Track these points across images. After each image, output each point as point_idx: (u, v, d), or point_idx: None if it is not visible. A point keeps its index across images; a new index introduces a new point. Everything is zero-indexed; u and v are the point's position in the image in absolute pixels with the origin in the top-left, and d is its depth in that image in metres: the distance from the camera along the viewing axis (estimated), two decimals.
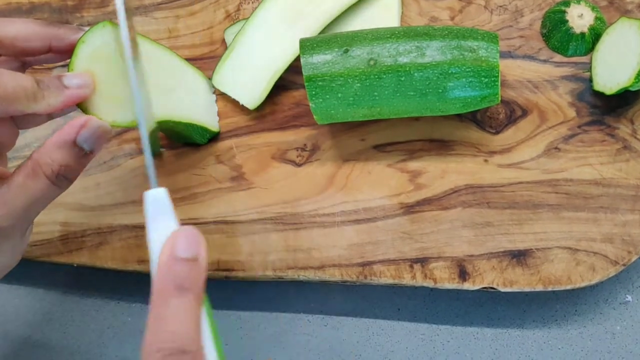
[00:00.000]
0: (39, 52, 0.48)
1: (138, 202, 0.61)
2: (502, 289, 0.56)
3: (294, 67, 0.59)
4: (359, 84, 0.52)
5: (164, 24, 0.64)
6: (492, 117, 0.59)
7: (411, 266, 0.57)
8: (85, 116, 0.45)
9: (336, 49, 0.53)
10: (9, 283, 0.67)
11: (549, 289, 0.56)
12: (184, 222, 0.59)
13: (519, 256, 0.56)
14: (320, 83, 0.52)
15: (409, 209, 0.58)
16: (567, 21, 0.58)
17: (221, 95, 0.62)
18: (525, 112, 0.58)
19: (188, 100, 0.58)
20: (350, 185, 0.59)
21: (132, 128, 0.63)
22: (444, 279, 0.57)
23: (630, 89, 0.53)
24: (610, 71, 0.55)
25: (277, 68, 0.59)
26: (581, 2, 0.58)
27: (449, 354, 0.61)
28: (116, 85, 0.48)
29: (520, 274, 0.56)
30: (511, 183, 0.58)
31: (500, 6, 0.60)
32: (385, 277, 0.57)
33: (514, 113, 0.59)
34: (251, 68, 0.60)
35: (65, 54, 0.49)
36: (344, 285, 0.63)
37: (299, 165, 0.60)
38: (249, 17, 0.60)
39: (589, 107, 0.58)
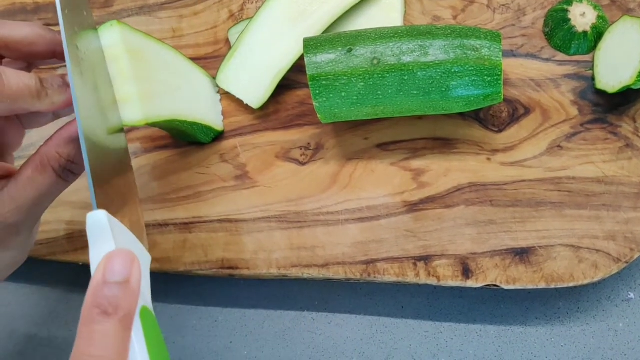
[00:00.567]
0: (44, 57, 0.48)
1: (143, 201, 0.62)
2: (505, 287, 0.56)
3: (298, 67, 0.59)
4: (362, 83, 0.52)
5: (167, 24, 0.65)
6: (495, 115, 0.59)
7: (415, 264, 0.57)
8: None
9: (340, 49, 0.53)
10: (15, 281, 0.67)
11: (552, 286, 0.56)
12: (188, 221, 0.61)
13: (522, 254, 0.56)
14: (324, 82, 0.53)
15: (413, 207, 0.59)
16: (569, 20, 0.58)
17: (225, 95, 0.63)
18: (527, 111, 0.59)
19: (193, 99, 0.59)
20: (353, 184, 0.60)
21: (137, 127, 0.64)
22: (447, 276, 0.57)
23: (633, 87, 0.54)
24: (613, 70, 0.55)
25: (281, 67, 0.60)
26: (583, 1, 0.58)
27: (452, 352, 0.61)
28: (120, 84, 0.48)
29: (523, 271, 0.56)
30: (514, 181, 0.58)
31: (503, 5, 0.60)
32: (389, 275, 0.58)
33: (516, 111, 0.59)
34: (255, 67, 0.60)
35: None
36: (348, 283, 0.63)
37: (302, 164, 0.61)
38: (252, 17, 0.60)
39: (591, 106, 0.58)
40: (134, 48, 0.50)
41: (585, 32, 0.58)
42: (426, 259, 0.57)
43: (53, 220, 0.63)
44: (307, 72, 0.53)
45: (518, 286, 0.56)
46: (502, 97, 0.53)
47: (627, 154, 0.57)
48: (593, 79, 0.58)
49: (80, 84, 0.44)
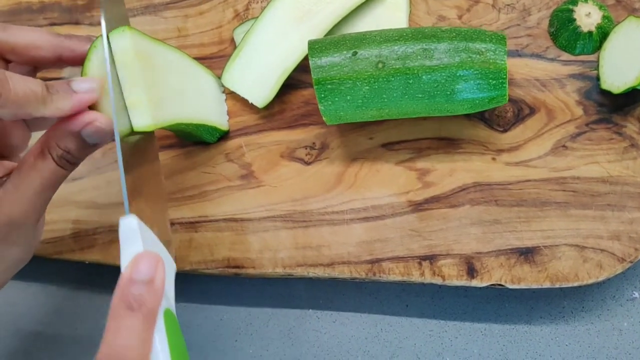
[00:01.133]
0: (50, 61, 0.48)
1: None
2: (510, 286, 0.56)
3: (303, 66, 0.59)
4: (367, 87, 0.52)
5: (173, 24, 0.65)
6: (499, 115, 0.59)
7: (420, 263, 0.58)
8: (94, 113, 0.47)
9: (344, 52, 0.53)
10: (21, 280, 0.68)
11: (557, 286, 0.56)
12: (194, 220, 0.61)
13: (527, 253, 0.57)
14: (329, 86, 0.53)
15: (418, 206, 0.59)
16: (574, 20, 0.58)
17: (230, 94, 0.63)
18: (532, 111, 0.59)
19: (198, 100, 0.59)
20: (358, 184, 0.60)
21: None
22: (452, 276, 0.57)
23: (638, 87, 0.54)
24: (618, 70, 0.55)
25: (286, 67, 0.60)
26: (589, 1, 0.58)
27: (456, 351, 0.61)
28: (129, 90, 0.48)
29: (528, 271, 0.56)
30: (519, 181, 0.58)
31: (508, 5, 0.60)
32: (394, 274, 0.58)
33: (521, 111, 0.59)
34: (260, 67, 0.60)
35: (75, 64, 0.50)
36: (353, 282, 0.63)
37: (307, 163, 0.61)
38: (257, 16, 0.60)
39: (596, 106, 0.58)
40: (143, 53, 0.50)
41: (590, 32, 0.58)
42: (431, 258, 0.58)
43: (59, 220, 0.63)
44: (312, 76, 0.53)
45: (523, 285, 0.56)
46: (507, 99, 0.53)
47: (632, 154, 0.57)
48: (598, 79, 0.58)
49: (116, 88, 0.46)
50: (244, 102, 0.62)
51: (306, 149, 0.61)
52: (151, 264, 0.40)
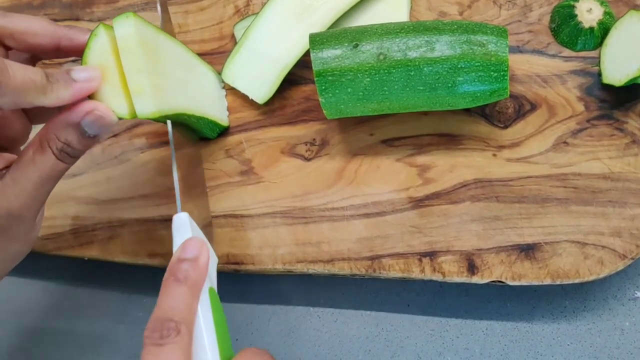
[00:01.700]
0: (48, 50, 0.48)
1: (149, 196, 0.62)
2: (511, 283, 0.56)
3: (304, 62, 0.59)
4: (368, 79, 0.52)
5: (173, 20, 0.65)
6: (500, 111, 0.59)
7: (420, 260, 0.57)
8: (93, 102, 0.46)
9: (346, 44, 0.53)
10: (21, 276, 0.67)
11: (557, 282, 0.56)
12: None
13: (528, 250, 0.56)
14: (330, 78, 0.53)
15: (418, 203, 0.59)
16: (576, 16, 0.58)
17: (231, 90, 0.63)
18: (534, 107, 0.59)
19: (200, 94, 0.59)
20: (359, 180, 0.60)
21: (142, 123, 0.64)
22: (453, 272, 0.57)
23: (639, 81, 0.53)
24: (619, 65, 0.55)
25: (287, 63, 0.60)
26: None
27: (458, 350, 0.61)
28: (133, 76, 0.48)
29: (529, 267, 0.56)
30: (520, 177, 0.58)
31: (509, 1, 0.60)
32: (394, 270, 0.58)
33: (522, 107, 0.59)
34: (261, 63, 0.60)
35: (73, 54, 0.50)
36: (354, 281, 0.63)
37: (308, 159, 0.61)
38: (258, 12, 0.60)
39: (597, 102, 0.58)
40: (146, 41, 0.50)
41: (591, 28, 0.58)
42: (431, 254, 0.57)
43: (59, 216, 0.63)
44: (313, 68, 0.53)
45: (523, 282, 0.56)
46: (509, 92, 0.53)
47: (633, 150, 0.57)
48: (599, 74, 0.58)
49: None
50: (244, 98, 0.62)
51: (306, 145, 0.61)
52: (196, 246, 0.46)
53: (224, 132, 0.62)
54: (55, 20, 0.66)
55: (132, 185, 0.62)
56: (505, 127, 0.59)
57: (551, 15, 0.60)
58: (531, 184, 0.57)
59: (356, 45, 0.52)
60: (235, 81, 0.61)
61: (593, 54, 0.59)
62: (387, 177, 0.59)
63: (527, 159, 0.58)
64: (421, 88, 0.53)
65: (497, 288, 0.62)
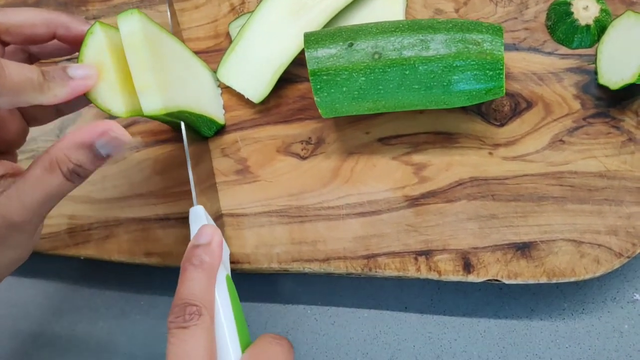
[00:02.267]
0: (45, 39, 0.49)
1: (144, 195, 0.62)
2: (507, 281, 0.56)
3: (299, 60, 0.59)
4: (363, 78, 0.52)
5: (168, 17, 0.64)
6: (496, 109, 0.59)
7: (416, 259, 0.57)
8: (108, 122, 0.45)
9: (341, 43, 0.53)
10: (18, 277, 0.67)
11: (553, 281, 0.56)
12: None
13: (524, 248, 0.56)
14: (325, 77, 0.53)
15: (414, 201, 0.58)
16: (572, 13, 0.57)
17: (226, 89, 0.62)
18: (530, 105, 0.58)
19: (198, 91, 0.58)
20: (355, 178, 0.59)
21: (138, 121, 0.64)
22: (449, 271, 0.57)
23: (636, 82, 0.53)
24: (615, 65, 0.55)
25: (282, 61, 0.59)
26: None
27: (456, 352, 0.61)
28: (139, 73, 0.48)
29: (525, 266, 0.56)
30: (516, 175, 0.58)
31: None
32: (390, 269, 0.57)
33: (518, 105, 0.58)
34: (256, 61, 0.60)
35: (70, 43, 0.49)
36: (351, 283, 0.63)
37: (303, 158, 0.61)
38: (253, 11, 0.60)
39: (593, 100, 0.58)
40: (150, 38, 0.49)
41: (588, 26, 0.57)
42: (427, 253, 0.57)
43: (55, 215, 0.63)
44: (308, 67, 0.52)
45: (519, 281, 0.56)
46: (504, 91, 0.53)
47: (629, 148, 0.57)
48: (596, 72, 0.58)
49: None
50: (239, 96, 0.62)
51: (302, 143, 0.61)
52: (209, 232, 0.48)
53: (219, 130, 0.62)
54: None
55: (127, 184, 0.62)
56: (501, 125, 0.58)
57: (547, 13, 0.59)
58: (527, 183, 0.57)
59: (351, 44, 0.52)
60: (230, 80, 0.61)
61: (589, 51, 0.58)
62: (382, 175, 0.59)
63: (523, 157, 0.58)
64: (416, 87, 0.52)
65: (496, 290, 0.62)
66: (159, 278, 0.65)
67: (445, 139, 0.59)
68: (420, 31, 0.52)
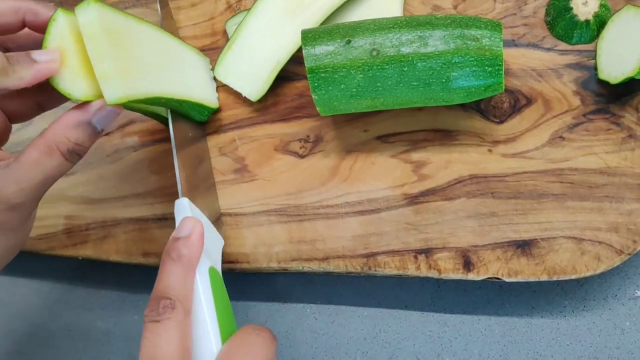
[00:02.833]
0: (16, 28, 0.49)
1: (141, 195, 0.61)
2: (507, 279, 0.56)
3: (297, 58, 0.59)
4: (361, 75, 0.52)
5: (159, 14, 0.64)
6: (496, 106, 0.58)
7: (415, 257, 0.57)
8: (100, 100, 0.48)
9: (338, 40, 0.52)
10: (16, 277, 0.67)
11: (554, 278, 0.55)
12: None
13: (524, 246, 0.56)
14: (322, 74, 0.52)
15: (413, 199, 0.58)
16: (571, 8, 0.57)
17: (223, 87, 0.62)
18: (529, 101, 0.58)
19: (181, 77, 0.57)
20: (353, 177, 0.59)
21: (135, 121, 0.63)
22: (449, 269, 0.56)
23: (636, 77, 0.53)
24: (615, 60, 0.55)
25: (279, 59, 0.59)
26: None
27: (456, 351, 0.61)
28: (97, 62, 0.48)
29: (525, 264, 0.56)
30: (515, 173, 0.57)
31: None
32: (389, 268, 0.57)
33: (518, 102, 0.58)
34: (253, 59, 0.60)
35: (39, 30, 0.50)
36: (351, 282, 0.63)
37: (302, 156, 0.60)
38: (250, 8, 0.60)
39: (593, 96, 0.57)
40: (111, 27, 0.49)
41: (587, 21, 0.57)
42: (427, 251, 0.57)
43: (52, 215, 0.62)
44: (306, 65, 0.52)
45: (520, 279, 0.56)
46: (504, 87, 0.53)
47: (630, 145, 0.56)
48: (595, 68, 0.57)
49: None
50: (237, 95, 0.61)
51: (300, 142, 0.60)
52: (190, 224, 0.48)
53: (217, 129, 0.61)
54: None
55: (125, 184, 0.62)
56: (501, 122, 0.58)
57: (546, 8, 0.59)
58: (527, 180, 0.57)
59: (349, 42, 0.52)
60: (227, 78, 0.60)
61: (589, 47, 0.58)
62: (381, 173, 0.59)
63: (523, 154, 0.57)
64: (415, 84, 0.52)
65: (496, 288, 0.61)
66: (155, 277, 0.65)
67: (444, 136, 0.59)
68: (418, 27, 0.52)
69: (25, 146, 0.46)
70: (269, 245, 0.59)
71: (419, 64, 0.51)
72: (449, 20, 0.52)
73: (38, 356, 0.65)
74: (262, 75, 0.60)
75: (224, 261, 0.59)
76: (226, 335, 0.45)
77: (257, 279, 0.64)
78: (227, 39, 0.62)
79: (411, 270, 0.57)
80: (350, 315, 0.63)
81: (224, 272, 0.61)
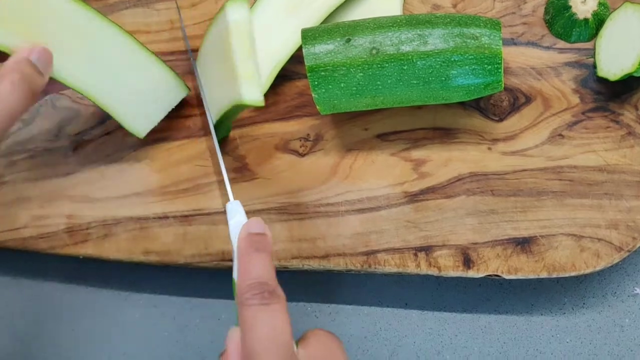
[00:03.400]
0: None
1: (142, 194, 0.61)
2: (507, 277, 0.56)
3: (297, 57, 0.59)
4: (361, 74, 0.52)
5: (165, 16, 0.64)
6: (495, 104, 0.58)
7: (415, 255, 0.57)
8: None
9: (338, 39, 0.52)
10: (16, 276, 0.67)
11: (554, 276, 0.55)
12: (188, 214, 0.61)
13: (524, 243, 0.56)
14: (322, 73, 0.52)
15: (413, 197, 0.58)
16: (570, 7, 0.57)
17: None
18: (528, 99, 0.58)
19: (123, 91, 0.58)
20: (353, 175, 0.59)
21: None
22: (449, 267, 0.57)
23: (635, 74, 0.53)
24: (614, 57, 0.55)
25: (280, 58, 0.59)
26: None
27: (456, 348, 0.61)
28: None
29: (525, 261, 0.56)
30: (515, 170, 0.57)
31: None
32: (389, 265, 0.57)
33: (517, 100, 0.58)
34: None
35: None
36: (351, 279, 0.63)
37: (302, 155, 0.60)
38: (250, 8, 0.60)
39: (592, 94, 0.58)
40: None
41: (586, 20, 0.57)
42: (427, 249, 0.57)
43: (53, 214, 0.62)
44: (306, 63, 0.52)
45: (520, 276, 0.56)
46: (503, 85, 0.53)
47: (629, 142, 0.57)
48: (594, 66, 0.58)
49: None
50: None
51: (300, 140, 0.61)
52: (260, 223, 0.49)
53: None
54: None
55: (125, 183, 0.62)
56: (500, 120, 0.58)
57: (545, 7, 0.59)
58: (526, 177, 0.57)
59: (349, 40, 0.52)
60: None
61: (588, 45, 0.58)
62: (382, 172, 0.59)
63: (523, 152, 0.58)
64: (415, 82, 0.52)
65: (496, 285, 0.62)
66: (157, 277, 0.65)
67: (444, 134, 0.59)
68: (418, 26, 0.52)
69: None
70: None
71: (418, 63, 0.51)
72: (449, 19, 0.52)
73: (39, 355, 0.65)
74: (263, 74, 0.60)
75: (224, 259, 0.60)
76: None
77: None
78: None
79: (411, 268, 0.57)
80: (351, 314, 0.63)
81: (225, 271, 0.62)
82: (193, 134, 0.62)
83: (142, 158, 0.62)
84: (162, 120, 0.60)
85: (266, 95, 0.61)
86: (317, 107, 0.55)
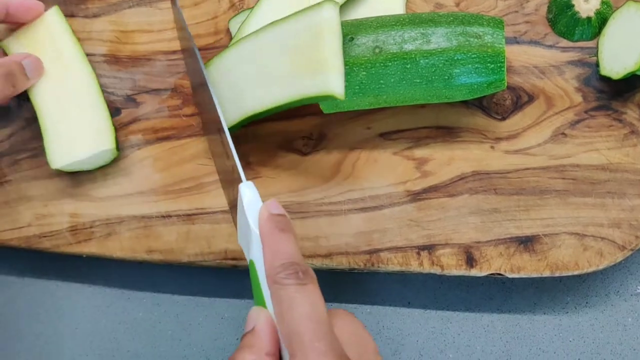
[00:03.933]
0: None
1: (145, 193, 0.62)
2: (510, 275, 0.56)
3: None
4: (364, 73, 0.52)
5: (168, 15, 0.64)
6: (498, 103, 0.58)
7: (418, 253, 0.57)
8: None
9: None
10: (20, 276, 0.67)
11: (557, 274, 0.55)
12: (191, 213, 0.61)
13: (526, 242, 0.56)
14: None
15: (416, 196, 0.58)
16: (573, 5, 0.57)
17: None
18: (531, 98, 0.58)
19: (64, 121, 0.61)
20: (356, 174, 0.59)
21: (139, 119, 0.63)
22: (451, 265, 0.57)
23: (637, 73, 0.53)
24: (617, 56, 0.55)
25: None
26: None
27: (459, 347, 0.61)
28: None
29: (528, 260, 0.56)
30: (518, 169, 0.57)
31: None
32: (392, 264, 0.57)
33: (520, 99, 0.58)
34: None
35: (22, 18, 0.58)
36: (354, 278, 0.63)
37: (305, 154, 0.60)
38: (253, 7, 0.60)
39: (595, 92, 0.58)
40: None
41: (589, 18, 0.57)
42: (430, 248, 0.57)
43: (56, 213, 0.63)
44: None
45: (522, 275, 0.56)
46: (506, 84, 0.53)
47: (631, 141, 0.57)
48: (597, 65, 0.57)
49: None
50: None
51: (303, 139, 0.61)
52: (279, 205, 0.48)
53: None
54: None
55: (129, 182, 0.62)
56: (503, 119, 0.58)
57: (548, 6, 0.59)
58: (529, 176, 0.57)
59: (352, 39, 0.52)
60: None
61: (591, 44, 0.58)
62: (384, 170, 0.59)
63: (525, 151, 0.58)
64: (418, 81, 0.52)
65: (499, 284, 0.62)
66: (161, 275, 0.65)
67: (446, 133, 0.59)
68: (421, 25, 0.52)
69: None
70: None
71: (421, 61, 0.51)
72: (452, 18, 0.52)
73: (43, 354, 0.65)
74: None
75: (226, 258, 0.60)
76: None
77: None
78: (231, 38, 0.62)
79: (414, 267, 0.57)
80: (354, 312, 0.63)
81: (227, 269, 0.62)
82: (196, 133, 0.62)
83: (145, 157, 0.63)
84: (165, 119, 0.61)
85: None
86: (320, 106, 0.55)
